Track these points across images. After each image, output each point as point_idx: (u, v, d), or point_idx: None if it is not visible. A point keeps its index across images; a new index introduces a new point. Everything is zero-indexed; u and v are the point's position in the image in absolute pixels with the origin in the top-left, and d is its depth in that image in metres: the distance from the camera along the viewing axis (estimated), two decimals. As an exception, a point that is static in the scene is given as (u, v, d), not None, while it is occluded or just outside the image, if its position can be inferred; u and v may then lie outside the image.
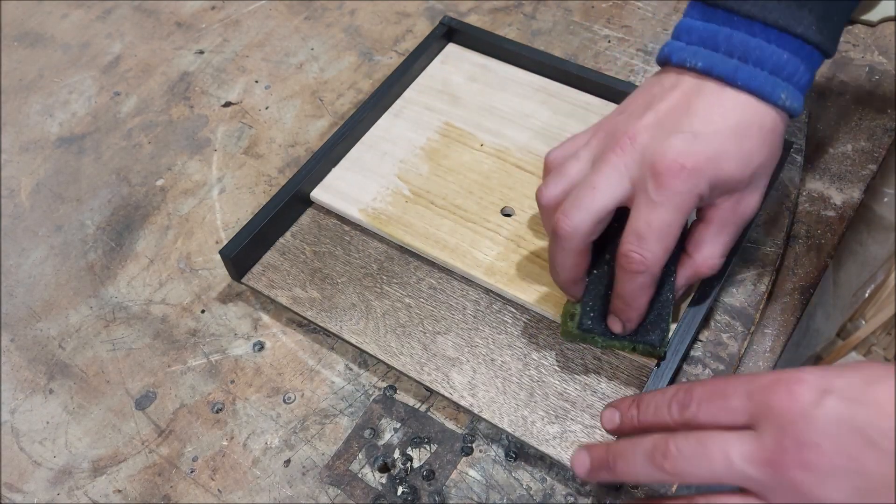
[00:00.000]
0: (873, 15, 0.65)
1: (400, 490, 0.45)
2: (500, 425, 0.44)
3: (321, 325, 0.49)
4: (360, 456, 0.46)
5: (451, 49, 0.63)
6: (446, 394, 0.46)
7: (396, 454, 0.46)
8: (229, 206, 0.58)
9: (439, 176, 0.55)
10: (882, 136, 0.58)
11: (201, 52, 0.69)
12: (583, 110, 0.57)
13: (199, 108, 0.65)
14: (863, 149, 0.58)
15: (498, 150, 0.56)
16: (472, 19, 0.68)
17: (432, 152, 0.56)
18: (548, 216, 0.43)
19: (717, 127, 0.39)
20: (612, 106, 0.57)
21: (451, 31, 0.62)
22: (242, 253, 0.51)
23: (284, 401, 0.48)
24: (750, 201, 0.42)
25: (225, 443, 0.47)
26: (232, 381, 0.49)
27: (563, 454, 0.43)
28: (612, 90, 0.57)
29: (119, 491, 0.46)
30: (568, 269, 0.43)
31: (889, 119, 0.59)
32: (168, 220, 0.58)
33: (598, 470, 0.37)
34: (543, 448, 0.44)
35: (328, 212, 0.55)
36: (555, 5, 0.68)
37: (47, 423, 0.49)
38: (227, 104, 0.64)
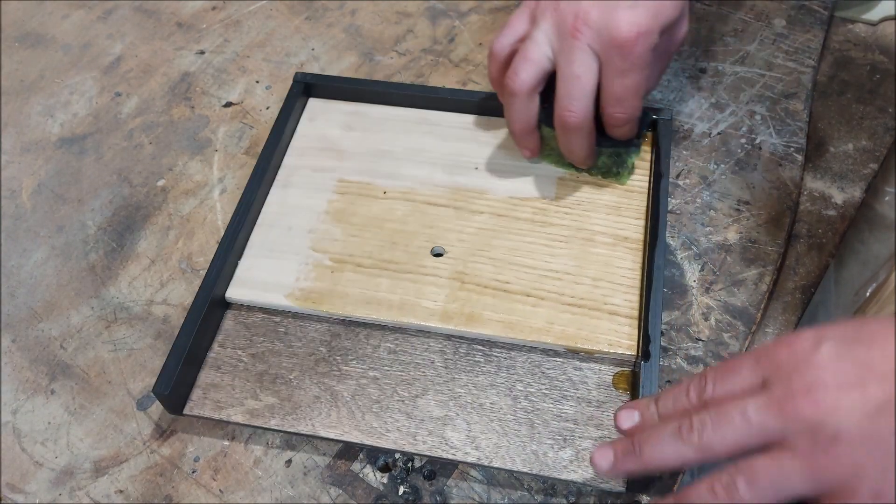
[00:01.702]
0: (874, 14, 0.65)
1: (401, 490, 0.45)
2: (513, 469, 0.43)
3: (290, 431, 0.45)
4: (361, 456, 0.46)
5: (314, 104, 0.60)
6: (448, 456, 0.44)
7: (398, 454, 0.46)
8: (230, 207, 0.58)
9: (355, 236, 0.52)
10: (883, 134, 0.58)
11: (202, 53, 0.69)
12: (467, 131, 0.57)
13: (200, 108, 0.65)
14: (864, 148, 0.58)
15: (403, 193, 0.54)
16: (473, 19, 0.68)
17: (338, 213, 0.53)
18: (521, 104, 0.49)
19: None
20: (492, 120, 0.57)
21: (308, 87, 0.59)
22: (178, 384, 0.45)
23: (286, 401, 0.48)
24: (681, 29, 0.49)
25: (226, 443, 0.47)
26: (233, 382, 0.49)
27: (585, 475, 0.43)
28: (486, 105, 0.57)
29: (121, 491, 0.46)
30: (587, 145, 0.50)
31: (890, 118, 0.59)
32: (169, 221, 0.58)
33: (624, 460, 0.37)
34: (565, 476, 0.42)
35: (250, 308, 0.50)
36: (555, 5, 0.68)
37: (49, 423, 0.49)
38: (228, 104, 0.65)
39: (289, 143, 0.58)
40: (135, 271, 0.55)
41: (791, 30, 0.64)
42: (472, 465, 0.45)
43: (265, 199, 0.55)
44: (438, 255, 0.51)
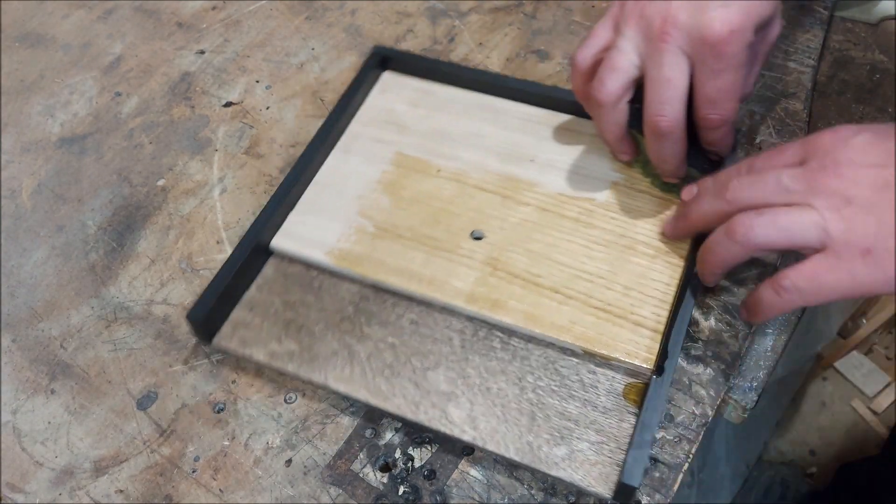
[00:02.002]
0: (874, 14, 0.65)
1: (401, 490, 0.45)
2: (506, 455, 0.44)
3: (305, 378, 0.47)
4: (361, 455, 0.46)
5: (388, 77, 0.61)
6: (446, 430, 0.44)
7: (398, 454, 0.46)
8: (230, 207, 0.58)
9: (402, 208, 0.53)
10: (883, 135, 0.58)
11: (202, 53, 0.69)
12: (529, 123, 0.57)
13: (200, 108, 0.65)
14: (864, 148, 0.58)
15: (456, 174, 0.55)
16: (473, 19, 0.68)
17: (390, 184, 0.54)
18: (609, 114, 0.48)
19: None
20: (556, 115, 0.57)
21: (384, 60, 0.61)
22: (211, 314, 0.48)
23: (286, 401, 0.48)
24: (774, 28, 0.48)
25: (226, 443, 0.47)
26: (233, 381, 0.49)
27: (574, 475, 0.43)
28: (553, 99, 0.57)
29: (121, 491, 0.46)
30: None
31: (890, 118, 0.59)
32: (169, 221, 0.58)
33: (675, 221, 0.48)
34: (554, 472, 0.43)
35: (292, 259, 0.52)
36: (555, 5, 0.68)
37: (49, 423, 0.49)
38: (228, 104, 0.65)
39: (357, 112, 0.59)
40: (135, 271, 0.55)
41: (791, 30, 0.64)
42: (467, 444, 0.45)
43: (325, 160, 0.56)
44: (478, 238, 0.51)
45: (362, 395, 0.46)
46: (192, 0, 0.73)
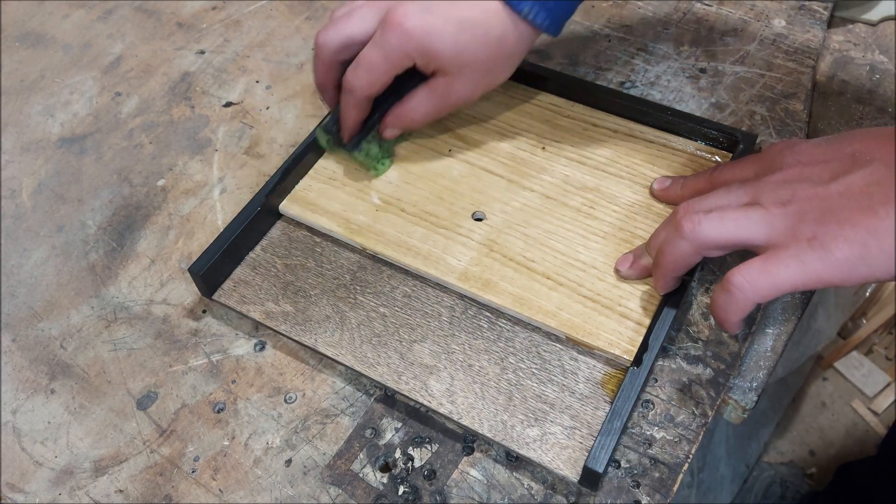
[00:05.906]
0: (873, 14, 0.65)
1: (401, 490, 0.45)
2: (479, 431, 0.44)
3: (296, 339, 0.49)
4: (361, 456, 0.46)
5: None
6: (425, 402, 0.46)
7: (398, 454, 0.46)
8: (230, 207, 0.58)
9: (409, 183, 0.55)
10: (883, 135, 0.58)
11: (202, 53, 0.69)
12: (548, 111, 0.58)
13: (200, 108, 0.65)
14: (864, 148, 0.58)
15: (466, 154, 0.56)
16: (473, 19, 0.68)
17: (402, 159, 0.56)
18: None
19: (450, 13, 0.46)
20: (573, 105, 0.58)
21: None
22: (212, 269, 0.50)
23: (286, 400, 0.48)
24: (458, 88, 0.50)
25: (226, 443, 0.47)
26: (233, 381, 0.49)
27: (543, 457, 0.43)
28: (571, 89, 0.58)
29: (121, 491, 0.46)
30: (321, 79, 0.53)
31: (890, 118, 0.59)
32: (169, 221, 0.58)
33: (637, 258, 0.48)
34: (524, 452, 0.43)
35: (298, 224, 0.54)
36: (555, 5, 0.68)
37: (49, 423, 0.49)
38: (228, 104, 0.65)
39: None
40: (135, 271, 0.55)
41: (791, 30, 0.64)
42: (445, 417, 0.46)
43: None
44: (479, 219, 0.52)
45: (348, 360, 0.48)
46: (192, 0, 0.73)
